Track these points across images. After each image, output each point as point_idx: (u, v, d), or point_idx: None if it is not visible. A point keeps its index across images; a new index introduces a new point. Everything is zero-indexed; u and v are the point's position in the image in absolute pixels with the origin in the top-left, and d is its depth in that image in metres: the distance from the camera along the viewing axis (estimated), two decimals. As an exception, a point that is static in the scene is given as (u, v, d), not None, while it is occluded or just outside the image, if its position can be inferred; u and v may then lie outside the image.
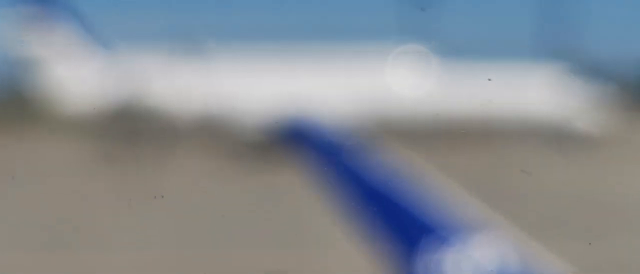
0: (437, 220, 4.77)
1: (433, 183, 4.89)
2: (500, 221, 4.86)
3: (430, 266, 4.51)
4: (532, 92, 39.39)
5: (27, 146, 50.18)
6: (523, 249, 4.73)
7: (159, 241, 18.08)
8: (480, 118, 39.82)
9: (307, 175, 4.94)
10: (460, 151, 40.60)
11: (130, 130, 39.72)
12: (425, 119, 40.30)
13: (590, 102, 40.31)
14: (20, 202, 25.37)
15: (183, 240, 18.00)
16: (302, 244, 17.96)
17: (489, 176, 29.80)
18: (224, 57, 42.44)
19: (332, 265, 14.64)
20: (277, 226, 20.66)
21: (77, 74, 39.54)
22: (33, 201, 26.63)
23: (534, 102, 39.13)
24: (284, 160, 33.08)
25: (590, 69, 54.77)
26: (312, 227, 19.17)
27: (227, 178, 31.38)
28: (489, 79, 39.26)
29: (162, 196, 26.66)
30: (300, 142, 4.98)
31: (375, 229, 4.74)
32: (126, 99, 38.80)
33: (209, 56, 42.71)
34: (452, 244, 4.70)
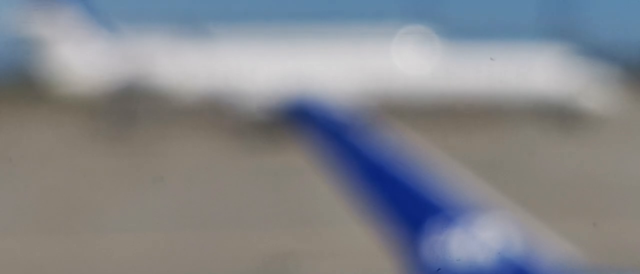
0: (442, 200, 4.77)
1: (437, 163, 4.89)
2: (504, 201, 4.89)
3: (435, 246, 4.55)
4: (536, 71, 39.72)
5: (31, 126, 50.59)
6: (527, 230, 4.70)
7: (160, 221, 18.14)
8: (485, 97, 40.17)
9: (311, 153, 4.92)
10: (465, 130, 40.93)
11: (134, 109, 40.04)
12: (429, 98, 40.71)
13: (593, 83, 40.61)
14: (21, 184, 25.52)
15: (184, 221, 18.04)
16: (306, 223, 18.05)
17: (493, 155, 29.99)
18: (228, 37, 43.02)
19: (337, 244, 14.72)
20: (280, 205, 20.79)
21: (81, 55, 39.89)
22: (35, 182, 26.73)
23: (538, 81, 39.45)
24: (289, 139, 33.28)
25: (594, 50, 56.48)
26: (316, 205, 19.31)
27: (230, 157, 31.57)
28: (492, 59, 39.77)
29: (164, 177, 26.89)
30: (305, 120, 5.00)
31: (380, 208, 4.76)
32: (130, 79, 39.07)
33: (213, 37, 43.36)
34: (458, 224, 4.69)
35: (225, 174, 27.64)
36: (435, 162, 4.79)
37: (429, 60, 41.25)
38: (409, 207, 4.84)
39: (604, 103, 40.36)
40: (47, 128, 45.98)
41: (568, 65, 40.99)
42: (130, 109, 40.08)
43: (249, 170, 28.78)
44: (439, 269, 4.42)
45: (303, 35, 43.20)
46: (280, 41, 42.67)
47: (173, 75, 39.15)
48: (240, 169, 29.03)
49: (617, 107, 40.84)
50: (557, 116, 41.99)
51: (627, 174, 24.20)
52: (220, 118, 41.44)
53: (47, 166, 29.75)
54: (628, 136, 36.83)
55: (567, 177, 24.98)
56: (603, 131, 37.63)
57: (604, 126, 39.30)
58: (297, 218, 18.88)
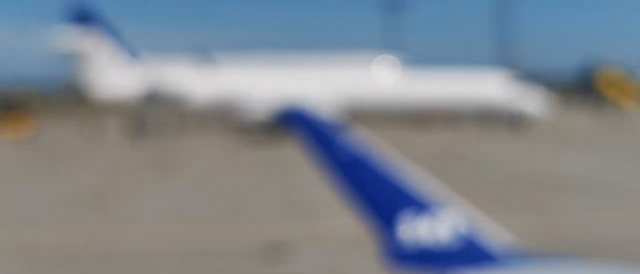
0: (408, 193, 4.82)
1: (399, 163, 4.99)
2: (455, 195, 4.95)
3: (405, 232, 4.74)
4: (486, 88, 40.40)
5: (74, 125, 50.82)
6: (475, 220, 4.74)
7: (177, 205, 17.96)
8: (444, 107, 40.71)
9: (301, 148, 5.05)
10: (427, 131, 41.43)
11: (159, 113, 40.54)
12: (398, 108, 41.51)
13: (530, 98, 41.28)
14: (66, 171, 25.50)
15: (195, 206, 17.89)
16: (298, 208, 17.99)
17: (449, 147, 30.34)
18: (238, 63, 44.76)
19: (320, 226, 14.70)
20: (276, 191, 20.72)
21: (117, 72, 40.50)
22: (79, 168, 26.73)
23: (487, 95, 40.07)
24: (283, 137, 33.27)
25: (531, 74, 57.85)
26: (305, 191, 19.40)
27: (237, 150, 31.70)
28: (450, 81, 40.83)
29: (183, 164, 26.98)
30: (295, 124, 5.02)
31: (355, 194, 4.91)
32: (156, 90, 39.63)
33: (222, 62, 45.12)
34: (422, 214, 4.75)
35: (232, 163, 27.92)
36: (397, 162, 4.98)
37: (397, 79, 42.24)
38: (380, 197, 4.87)
39: (538, 112, 41.13)
40: (87, 127, 46.15)
41: (511, 84, 41.66)
42: (155, 112, 40.60)
43: (251, 159, 29.02)
44: (412, 254, 4.67)
45: (298, 61, 45.48)
46: (279, 66, 44.83)
47: (193, 89, 39.78)
48: (244, 158, 29.26)
49: (548, 116, 41.76)
50: (502, 121, 43.01)
51: (549, 162, 24.67)
52: (230, 122, 42.14)
53: (87, 158, 29.79)
54: (553, 136, 37.83)
55: (505, 163, 25.42)
56: (536, 132, 38.27)
57: (537, 129, 39.97)
58: (288, 198, 18.94)
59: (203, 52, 48.40)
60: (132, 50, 44.84)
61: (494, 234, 4.80)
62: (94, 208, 17.08)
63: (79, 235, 14.17)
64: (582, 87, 74.04)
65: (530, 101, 41.05)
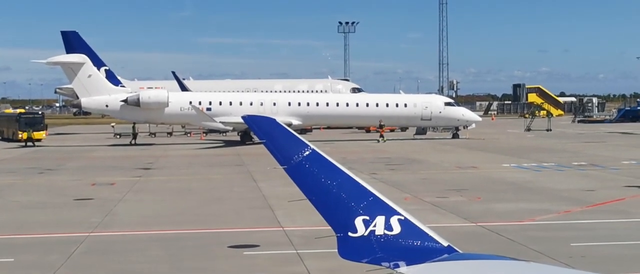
0: (354, 195, 4.96)
1: (345, 168, 5.16)
2: (395, 199, 5.14)
3: (352, 229, 4.82)
4: (428, 105, 42.24)
5: (81, 128, 55.97)
6: (415, 222, 4.88)
7: (166, 189, 20.74)
8: (391, 119, 42.61)
9: (266, 148, 5.23)
10: (374, 137, 43.38)
11: (143, 119, 41.99)
12: (345, 121, 43.66)
13: (461, 113, 43.32)
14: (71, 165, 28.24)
15: (180, 193, 19.77)
16: (256, 178, 21.77)
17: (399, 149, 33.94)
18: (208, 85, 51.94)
19: (281, 215, 15.36)
20: (243, 168, 25.05)
21: (107, 93, 40.57)
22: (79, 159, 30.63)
23: (428, 110, 41.97)
24: (250, 142, 35.84)
25: (463, 99, 69.29)
26: (262, 169, 23.38)
27: (211, 153, 34.38)
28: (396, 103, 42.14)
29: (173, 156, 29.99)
30: (261, 131, 5.24)
31: (309, 196, 5.02)
32: (137, 100, 40.35)
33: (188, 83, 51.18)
34: (367, 215, 4.85)
35: (214, 155, 32.31)
36: (346, 167, 5.06)
37: (346, 97, 44.53)
38: (332, 198, 4.89)
39: (468, 124, 43.11)
40: (91, 128, 50.80)
41: (447, 103, 43.29)
42: (140, 118, 41.36)
43: (227, 153, 32.97)
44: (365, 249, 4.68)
45: (271, 84, 55.38)
46: (251, 87, 52.54)
47: (174, 105, 40.57)
48: (223, 153, 33.25)
49: (475, 126, 43.62)
50: (440, 129, 46.52)
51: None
52: (207, 130, 44.42)
53: (87, 156, 33.15)
54: (477, 141, 39.19)
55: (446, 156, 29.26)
56: (465, 141, 40.24)
57: (466, 134, 42.66)
58: (250, 175, 22.88)
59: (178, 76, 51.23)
60: (115, 78, 46.68)
61: (431, 234, 4.79)
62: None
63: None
64: (514, 99, 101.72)
65: (464, 117, 42.86)
